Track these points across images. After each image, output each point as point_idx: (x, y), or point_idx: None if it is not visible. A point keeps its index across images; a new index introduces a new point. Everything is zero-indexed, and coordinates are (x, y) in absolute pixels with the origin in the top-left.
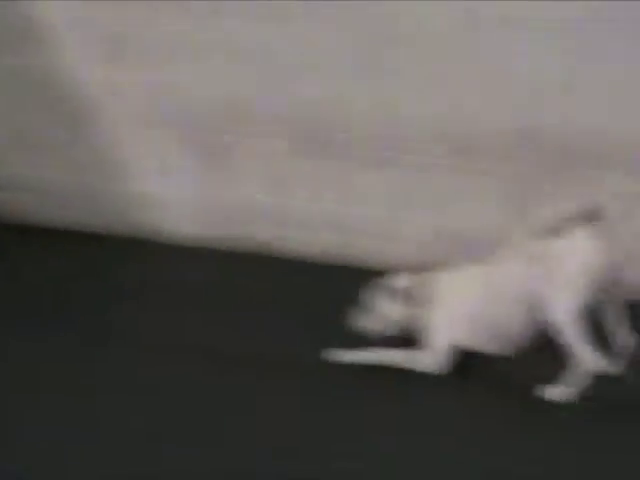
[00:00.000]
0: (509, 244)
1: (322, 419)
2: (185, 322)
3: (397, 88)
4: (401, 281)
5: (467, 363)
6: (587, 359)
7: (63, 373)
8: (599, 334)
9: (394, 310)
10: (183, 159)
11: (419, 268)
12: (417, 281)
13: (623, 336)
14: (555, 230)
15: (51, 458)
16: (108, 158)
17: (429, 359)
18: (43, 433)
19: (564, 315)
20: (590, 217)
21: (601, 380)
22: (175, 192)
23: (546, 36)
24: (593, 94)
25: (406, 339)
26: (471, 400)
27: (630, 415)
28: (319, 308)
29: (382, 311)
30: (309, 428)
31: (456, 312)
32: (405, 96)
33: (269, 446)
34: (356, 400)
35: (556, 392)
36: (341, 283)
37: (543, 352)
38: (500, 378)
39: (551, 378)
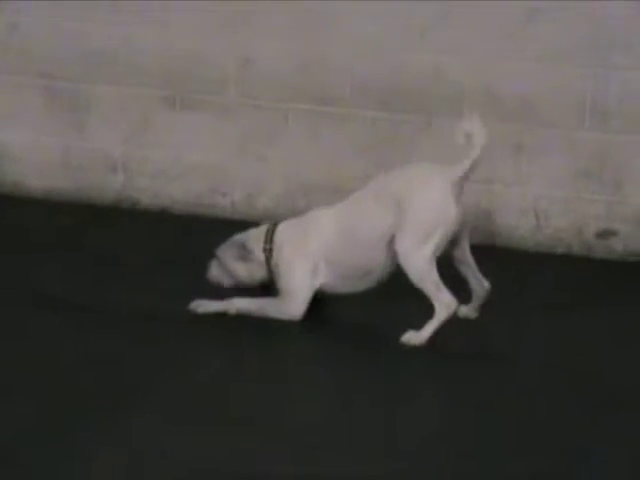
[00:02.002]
0: (363, 187)
1: (186, 370)
2: (43, 276)
3: (257, 39)
4: (250, 236)
5: (325, 308)
6: (442, 303)
7: None
8: (453, 278)
9: (241, 266)
10: (37, 108)
11: (276, 218)
12: (265, 231)
13: (476, 280)
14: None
15: None
16: None
17: (289, 306)
18: None
19: (417, 260)
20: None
21: (456, 324)
22: (28, 142)
23: None
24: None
25: (264, 289)
26: (330, 345)
27: (483, 359)
28: (178, 260)
29: (232, 266)
30: (172, 379)
31: (313, 257)
32: (264, 47)
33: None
34: (218, 349)
35: (413, 336)
36: (202, 235)
37: (401, 296)
38: (358, 323)
39: (409, 322)
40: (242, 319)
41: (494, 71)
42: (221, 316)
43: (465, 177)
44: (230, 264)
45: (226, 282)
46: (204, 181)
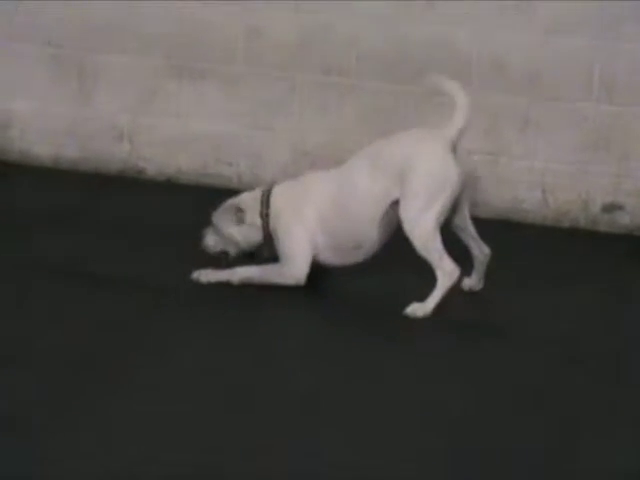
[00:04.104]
0: (357, 155)
1: (189, 339)
2: (48, 244)
3: (264, 9)
4: (244, 199)
5: (329, 280)
6: (445, 272)
7: None
8: (455, 248)
9: (237, 230)
10: (43, 77)
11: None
12: (259, 195)
13: (476, 246)
14: None
15: None
16: None
17: (291, 270)
18: None
19: (422, 226)
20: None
21: (460, 296)
22: (35, 111)
23: None
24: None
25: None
26: (333, 318)
27: (487, 331)
28: (183, 229)
29: (228, 231)
30: (176, 349)
31: (310, 222)
32: (271, 17)
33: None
34: (221, 318)
35: (417, 308)
36: (206, 204)
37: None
38: (361, 295)
39: (412, 294)
40: (245, 288)
41: (501, 42)
42: (224, 285)
43: (459, 138)
44: (226, 229)
45: (221, 249)
46: (210, 150)
